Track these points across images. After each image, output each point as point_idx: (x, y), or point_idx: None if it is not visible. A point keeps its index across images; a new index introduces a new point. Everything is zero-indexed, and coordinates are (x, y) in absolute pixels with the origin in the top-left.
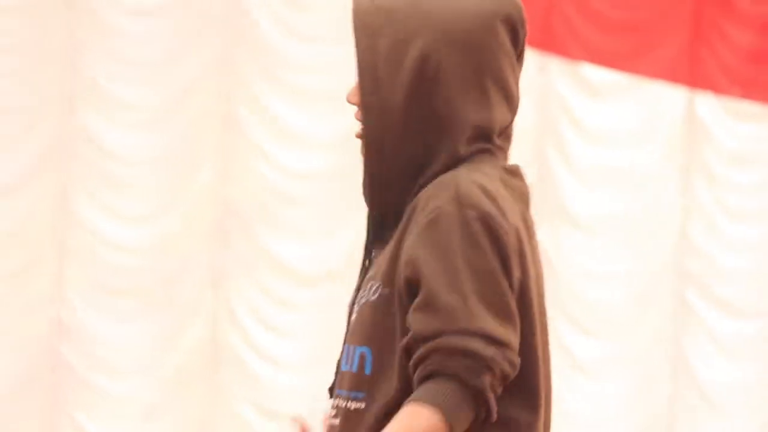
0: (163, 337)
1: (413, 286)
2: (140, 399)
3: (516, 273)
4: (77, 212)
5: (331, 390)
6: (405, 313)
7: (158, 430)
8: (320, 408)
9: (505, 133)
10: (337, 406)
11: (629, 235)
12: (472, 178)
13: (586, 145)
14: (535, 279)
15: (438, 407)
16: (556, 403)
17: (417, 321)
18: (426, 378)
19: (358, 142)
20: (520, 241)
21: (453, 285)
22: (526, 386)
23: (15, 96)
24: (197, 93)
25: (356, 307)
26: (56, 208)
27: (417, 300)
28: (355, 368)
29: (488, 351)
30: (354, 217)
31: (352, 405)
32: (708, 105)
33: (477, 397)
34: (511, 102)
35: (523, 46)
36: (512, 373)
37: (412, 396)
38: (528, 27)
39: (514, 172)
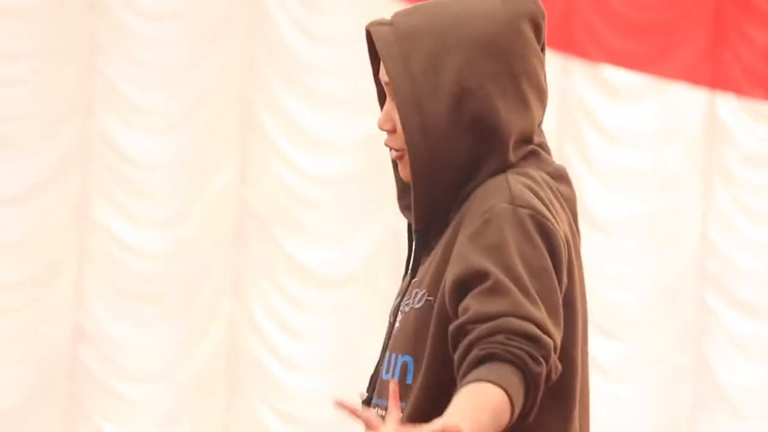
0: (182, 342)
1: (465, 283)
2: (160, 404)
3: (563, 278)
4: (96, 217)
5: (367, 400)
6: (442, 316)
7: None
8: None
9: (539, 127)
10: (380, 415)
11: (649, 237)
12: (522, 182)
13: (607, 147)
14: (580, 290)
15: (502, 388)
16: None
17: (476, 303)
18: (484, 358)
19: (376, 146)
20: (568, 248)
21: (512, 275)
22: (562, 396)
23: (34, 101)
24: (216, 97)
25: (400, 315)
26: (75, 213)
27: (475, 289)
28: (397, 377)
29: (548, 341)
30: (372, 220)
31: None
32: (729, 106)
33: (531, 386)
34: (544, 98)
35: (545, 38)
36: (554, 377)
37: (473, 375)
38: (548, 28)
39: (561, 176)
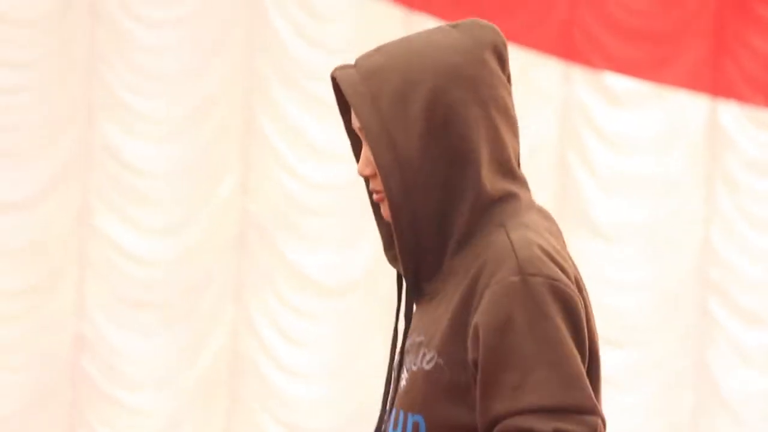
0: (184, 350)
1: (478, 368)
2: (161, 411)
3: (584, 337)
4: (98, 225)
5: None
6: (455, 384)
7: None
8: None
9: (519, 160)
10: None
11: (651, 244)
12: (527, 238)
13: (609, 153)
14: (596, 336)
15: None
16: None
17: (482, 408)
18: None
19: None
20: (582, 298)
21: (515, 363)
22: None
23: (36, 109)
24: (218, 104)
25: (405, 373)
26: (77, 220)
27: (480, 385)
28: None
29: (547, 426)
30: (373, 228)
31: None
32: (730, 113)
33: None
34: (515, 128)
35: (509, 69)
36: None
37: None
38: (550, 35)
39: (547, 215)
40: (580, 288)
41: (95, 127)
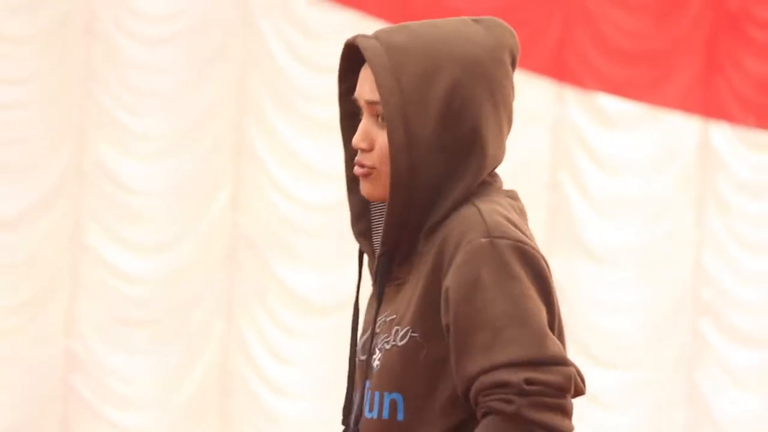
0: (175, 368)
1: (450, 332)
2: (151, 430)
3: (554, 298)
4: (89, 243)
5: None
6: (437, 357)
7: None
8: None
9: None
10: None
11: (643, 266)
12: (494, 209)
13: (601, 174)
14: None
15: None
16: None
17: (457, 370)
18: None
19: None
20: (547, 266)
21: (485, 322)
22: None
23: (29, 126)
24: (210, 123)
25: (378, 353)
26: (69, 238)
27: (453, 348)
28: (385, 415)
29: (518, 376)
30: None
31: None
32: (722, 135)
33: (516, 423)
34: (510, 128)
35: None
36: (566, 382)
37: None
38: (543, 56)
39: (515, 196)
40: (545, 259)
41: (88, 144)
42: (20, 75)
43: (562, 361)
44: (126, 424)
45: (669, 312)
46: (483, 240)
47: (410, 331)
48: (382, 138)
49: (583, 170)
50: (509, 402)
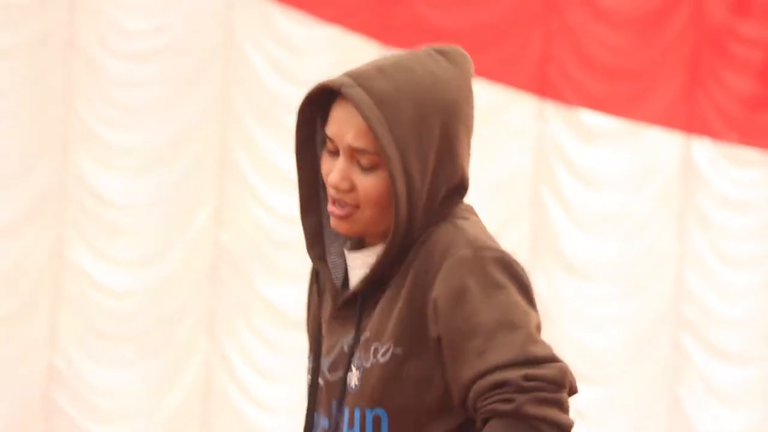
0: (157, 383)
1: (442, 342)
2: None
3: (535, 302)
4: (71, 257)
5: None
6: (426, 374)
7: None
8: None
9: None
10: None
11: (625, 281)
12: (471, 224)
13: (583, 190)
14: None
15: None
16: None
17: (453, 379)
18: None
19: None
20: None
21: (476, 330)
22: None
23: (10, 140)
24: (193, 138)
25: (356, 371)
26: (50, 252)
27: (448, 358)
28: (368, 431)
29: (515, 374)
30: None
31: None
32: (704, 150)
33: (519, 420)
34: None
35: None
36: (562, 376)
37: None
38: (525, 72)
39: (475, 212)
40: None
41: (70, 159)
42: (1, 89)
43: (556, 359)
44: None
45: (651, 327)
46: (467, 251)
47: (392, 347)
48: (365, 182)
49: (565, 185)
50: (510, 401)
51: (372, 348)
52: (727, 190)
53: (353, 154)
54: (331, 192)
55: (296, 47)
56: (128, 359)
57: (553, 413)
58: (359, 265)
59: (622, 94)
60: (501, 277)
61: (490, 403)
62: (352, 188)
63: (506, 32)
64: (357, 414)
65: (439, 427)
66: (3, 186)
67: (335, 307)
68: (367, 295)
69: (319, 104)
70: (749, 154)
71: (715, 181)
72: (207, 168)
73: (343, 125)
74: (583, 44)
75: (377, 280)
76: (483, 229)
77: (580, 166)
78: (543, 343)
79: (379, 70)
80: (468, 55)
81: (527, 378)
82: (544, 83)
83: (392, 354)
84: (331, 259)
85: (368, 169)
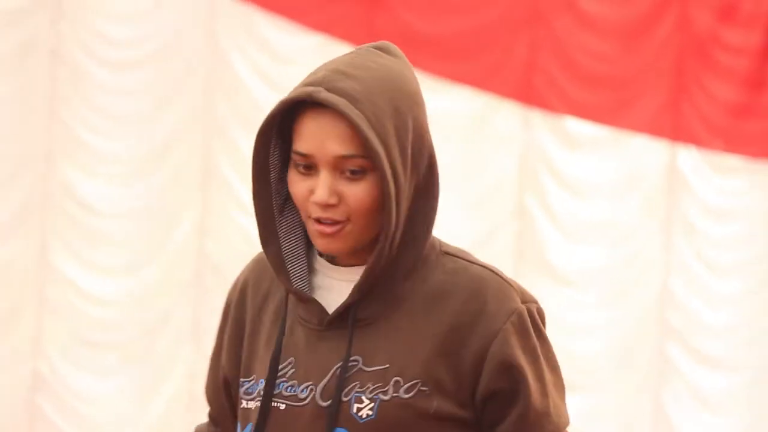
0: (142, 390)
1: (507, 394)
2: None
3: None
4: (56, 265)
5: None
6: (453, 416)
7: None
8: None
9: None
10: None
11: (610, 288)
12: (488, 265)
13: (568, 198)
14: None
15: None
16: None
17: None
18: None
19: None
20: None
21: (543, 390)
22: None
23: None
24: (177, 146)
25: (367, 402)
26: (35, 260)
27: (517, 410)
28: None
29: None
30: None
31: None
32: (690, 158)
33: None
34: None
35: None
36: None
37: None
38: (510, 80)
39: None
40: None
41: (54, 167)
42: None
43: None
44: None
45: (636, 334)
46: (521, 306)
47: (420, 384)
48: (355, 190)
49: (550, 193)
50: None
51: (392, 381)
52: (713, 197)
53: (338, 164)
54: (314, 212)
55: (281, 55)
56: (112, 367)
57: None
58: (344, 279)
59: (608, 102)
60: (545, 330)
61: None
62: (340, 201)
63: (492, 40)
64: None
65: None
66: None
67: (318, 329)
68: (359, 320)
69: (272, 126)
70: (734, 161)
71: (701, 189)
72: (191, 176)
73: (322, 137)
74: (568, 52)
75: (367, 290)
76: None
77: (565, 174)
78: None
79: (338, 72)
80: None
81: None
82: (530, 91)
83: (419, 391)
84: (296, 284)
85: (357, 176)
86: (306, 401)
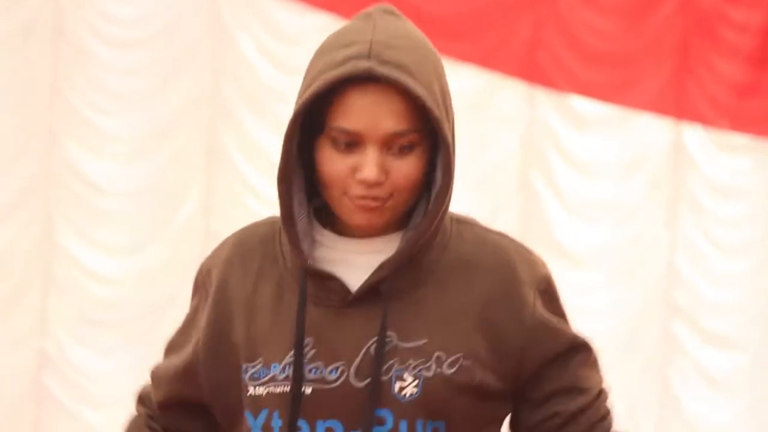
0: (147, 368)
1: (559, 356)
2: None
3: None
4: (61, 244)
5: None
6: (487, 384)
7: None
8: None
9: None
10: None
11: (616, 267)
12: (498, 230)
13: (573, 176)
14: None
15: None
16: None
17: (587, 379)
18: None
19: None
20: None
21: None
22: None
23: None
24: (182, 125)
25: (411, 380)
26: (40, 239)
27: (579, 358)
28: None
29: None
30: None
31: None
32: (695, 137)
33: None
34: None
35: None
36: None
37: None
38: (514, 58)
39: None
40: None
41: (58, 146)
42: None
43: None
44: (99, 423)
45: (642, 313)
46: (547, 271)
47: (462, 358)
48: (404, 166)
49: (555, 171)
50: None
51: (435, 356)
52: (718, 176)
53: (389, 141)
54: (357, 190)
55: (286, 34)
56: (118, 345)
57: None
58: (363, 252)
59: (613, 80)
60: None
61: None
62: (386, 179)
63: (495, 18)
64: (419, 426)
65: None
66: None
67: (338, 307)
68: (382, 294)
69: (312, 103)
70: (740, 140)
71: (706, 168)
72: (196, 155)
73: (375, 113)
74: (572, 30)
75: (405, 264)
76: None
77: (570, 152)
78: None
79: (380, 43)
80: None
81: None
82: (534, 69)
83: (461, 365)
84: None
85: (405, 152)
86: (336, 383)
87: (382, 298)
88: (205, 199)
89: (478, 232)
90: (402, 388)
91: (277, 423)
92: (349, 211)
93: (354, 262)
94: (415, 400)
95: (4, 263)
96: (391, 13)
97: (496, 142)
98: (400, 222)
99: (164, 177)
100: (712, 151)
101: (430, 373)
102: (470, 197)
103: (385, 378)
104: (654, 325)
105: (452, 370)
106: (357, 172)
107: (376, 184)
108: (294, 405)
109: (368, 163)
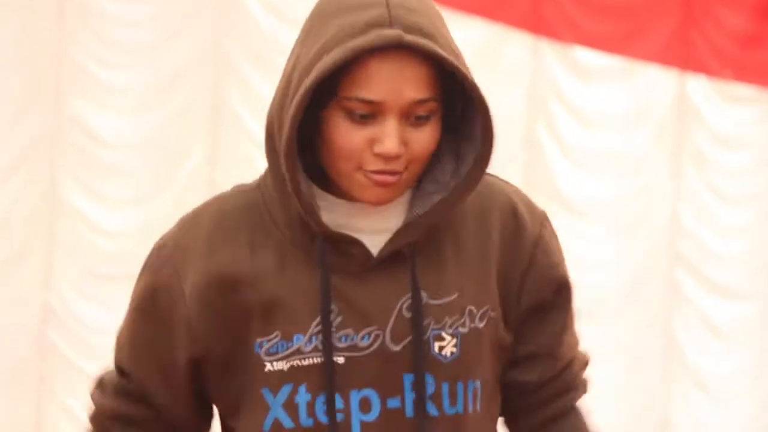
0: None
1: (551, 304)
2: None
3: None
4: (66, 198)
5: None
6: (500, 334)
7: None
8: None
9: None
10: None
11: (620, 218)
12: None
13: (578, 128)
14: None
15: None
16: None
17: (560, 345)
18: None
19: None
20: None
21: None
22: None
23: (2, 83)
24: (187, 78)
25: (449, 339)
26: (45, 194)
27: (568, 317)
28: (471, 408)
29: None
30: None
31: None
32: (700, 88)
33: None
34: None
35: None
36: None
37: (584, 415)
38: (519, 10)
39: None
40: None
41: (64, 100)
42: None
43: None
44: None
45: (646, 265)
46: (544, 210)
47: (489, 310)
48: (422, 136)
49: (560, 123)
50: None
51: (467, 310)
52: (723, 127)
53: (410, 110)
54: (373, 164)
55: None
56: (123, 298)
57: None
58: (373, 213)
59: (617, 32)
60: None
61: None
62: (404, 152)
63: None
64: (460, 388)
65: (498, 397)
66: None
67: (358, 271)
68: (402, 253)
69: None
70: (744, 91)
71: (711, 119)
72: (202, 107)
73: (399, 81)
74: None
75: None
76: None
77: (575, 103)
78: None
79: (399, 6)
80: None
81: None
82: (539, 21)
83: (489, 318)
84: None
85: (422, 122)
86: (370, 349)
87: (406, 257)
88: (210, 152)
89: (491, 177)
90: (442, 348)
91: (304, 398)
92: (361, 187)
93: (362, 225)
94: (454, 361)
95: (9, 219)
96: None
97: (501, 93)
98: None
99: (169, 130)
100: (717, 102)
101: (465, 329)
102: None
103: (435, 341)
104: (658, 277)
105: (482, 324)
106: (375, 144)
107: (395, 157)
108: (329, 376)
109: (389, 135)
